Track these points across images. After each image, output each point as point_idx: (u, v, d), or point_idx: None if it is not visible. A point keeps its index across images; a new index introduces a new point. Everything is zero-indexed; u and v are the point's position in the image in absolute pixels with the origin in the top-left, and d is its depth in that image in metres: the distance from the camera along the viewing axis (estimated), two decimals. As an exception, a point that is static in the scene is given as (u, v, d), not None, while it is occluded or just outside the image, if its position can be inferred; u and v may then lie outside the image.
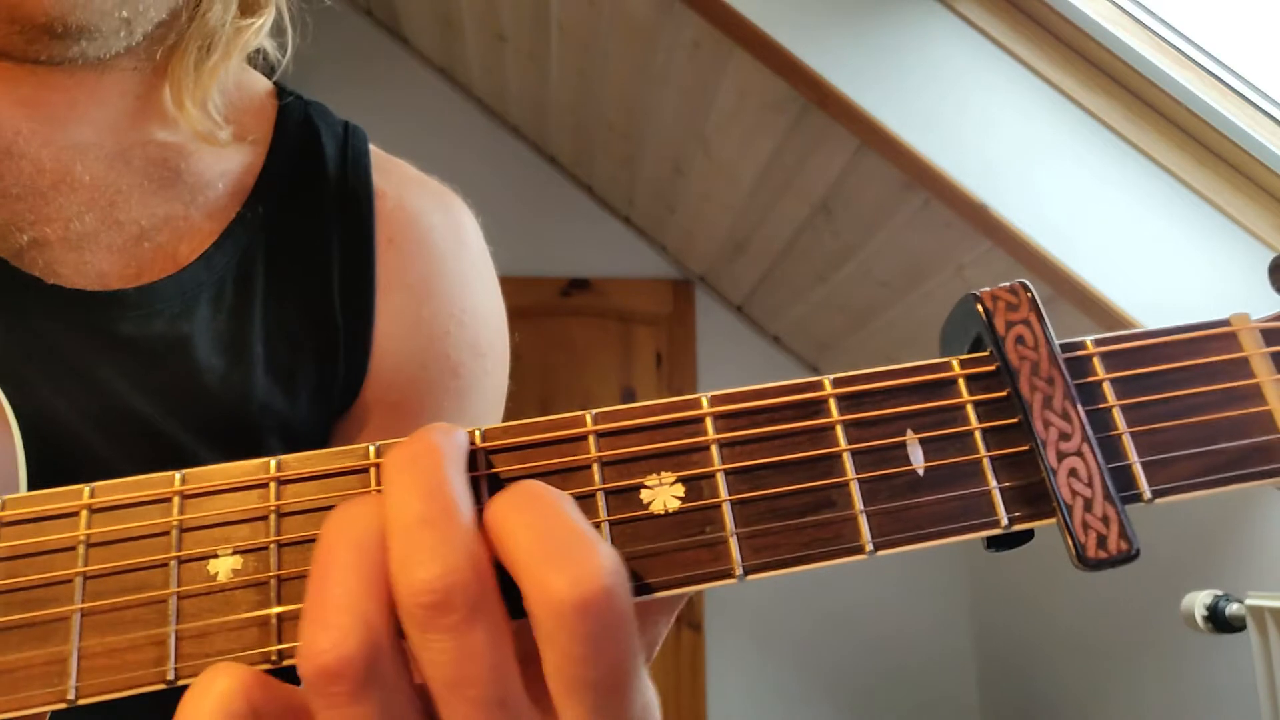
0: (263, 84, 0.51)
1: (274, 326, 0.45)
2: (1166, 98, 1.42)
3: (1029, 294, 0.26)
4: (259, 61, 0.50)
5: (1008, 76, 1.47)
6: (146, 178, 0.44)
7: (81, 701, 0.22)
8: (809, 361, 2.46)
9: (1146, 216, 1.41)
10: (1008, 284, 0.26)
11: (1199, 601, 1.35)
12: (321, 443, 0.47)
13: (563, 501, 0.23)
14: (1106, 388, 0.26)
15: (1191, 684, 1.55)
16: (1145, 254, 1.40)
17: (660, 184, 2.23)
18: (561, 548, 0.22)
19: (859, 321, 2.11)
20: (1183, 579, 1.44)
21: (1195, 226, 1.41)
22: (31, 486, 0.30)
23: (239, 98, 0.49)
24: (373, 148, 0.51)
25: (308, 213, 0.47)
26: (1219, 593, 1.34)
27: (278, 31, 0.49)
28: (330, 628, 0.21)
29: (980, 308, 0.26)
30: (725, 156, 1.94)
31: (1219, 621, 1.33)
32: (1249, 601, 1.31)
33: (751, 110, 1.74)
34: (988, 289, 0.26)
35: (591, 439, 0.25)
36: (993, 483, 0.25)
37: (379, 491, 0.24)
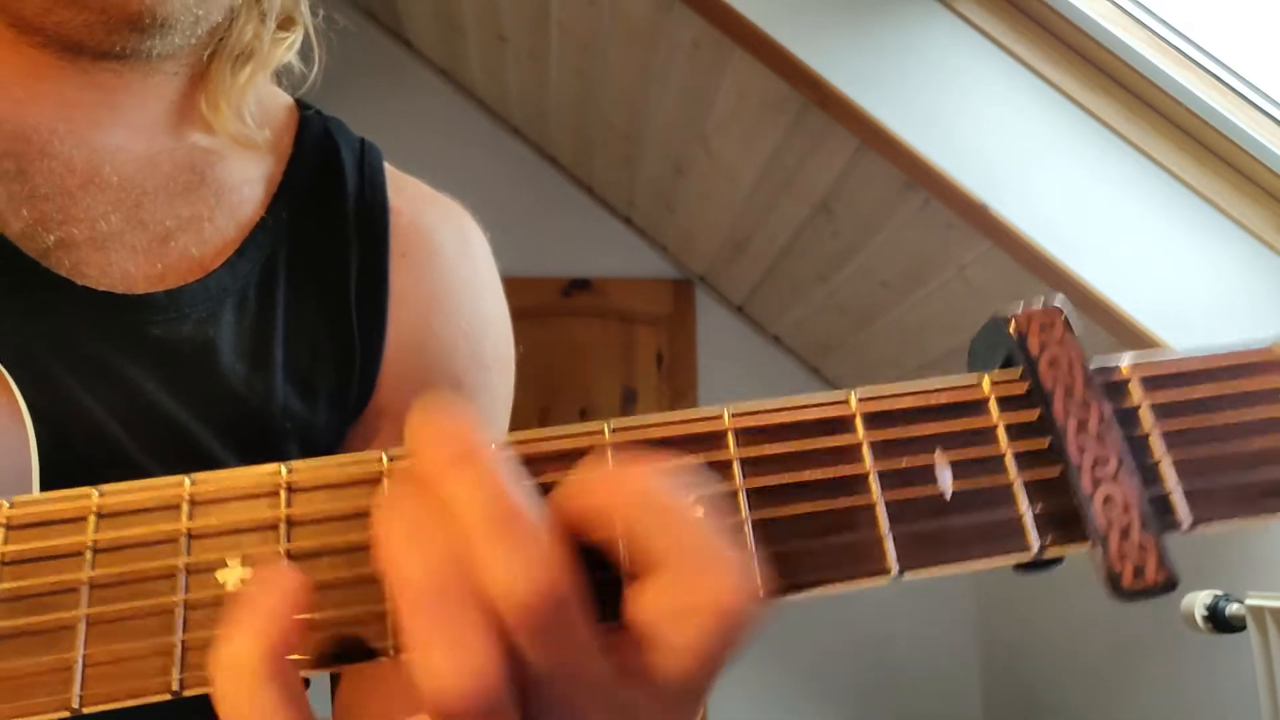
0: (284, 98, 0.52)
1: (294, 333, 0.46)
2: (1166, 98, 1.42)
3: (1063, 315, 0.25)
4: (283, 77, 0.51)
5: (1007, 76, 1.47)
6: (172, 180, 0.45)
7: (86, 710, 0.22)
8: (810, 362, 2.45)
9: (1146, 216, 1.41)
10: (1040, 305, 0.26)
11: (1199, 601, 1.35)
12: (338, 449, 0.48)
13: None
14: (1144, 413, 0.25)
15: (1192, 684, 1.55)
16: (1145, 254, 1.40)
17: (660, 184, 2.22)
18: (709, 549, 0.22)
19: (860, 322, 2.11)
20: (1183, 579, 1.44)
21: (1195, 226, 1.41)
22: (55, 484, 0.30)
23: (263, 109, 0.50)
24: (387, 165, 0.52)
25: (327, 223, 0.48)
26: (1219, 593, 1.34)
27: (304, 47, 0.51)
28: (452, 673, 0.20)
29: (1012, 328, 0.25)
30: (725, 156, 1.94)
31: (1219, 621, 1.33)
32: (1249, 601, 1.30)
33: (752, 110, 1.73)
34: (1019, 311, 0.26)
35: (609, 453, 0.24)
36: (1024, 508, 0.24)
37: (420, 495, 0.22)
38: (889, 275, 1.88)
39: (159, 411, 0.41)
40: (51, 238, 0.41)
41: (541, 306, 2.37)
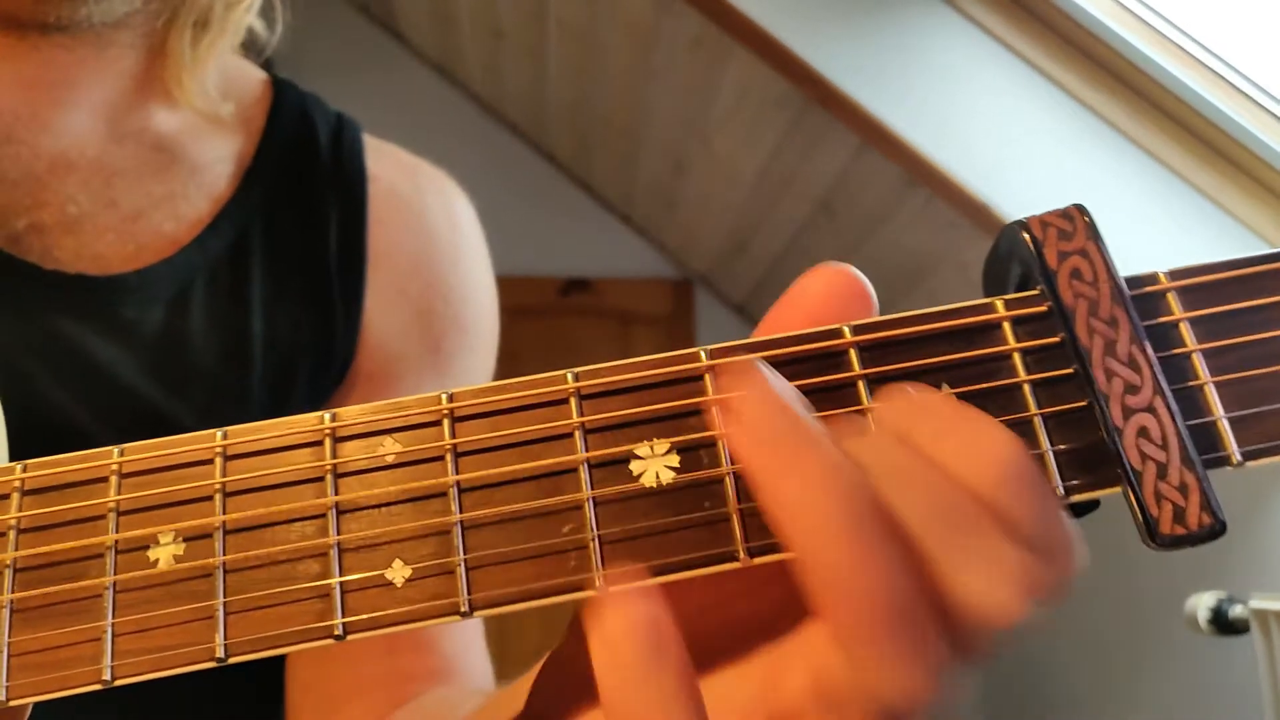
0: (258, 73, 0.52)
1: (272, 307, 0.45)
2: (1169, 95, 1.41)
3: (1085, 218, 0.22)
4: (250, 43, 0.50)
5: (1010, 73, 1.46)
6: (143, 160, 0.44)
7: (13, 703, 0.20)
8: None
9: (1149, 214, 1.41)
10: (1060, 208, 0.22)
11: (1203, 604, 1.34)
12: None
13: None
14: (1184, 329, 0.21)
15: (1195, 687, 1.54)
16: (1147, 252, 1.39)
17: (660, 182, 2.21)
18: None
19: (860, 321, 2.09)
20: (1186, 581, 1.42)
21: (1198, 224, 1.41)
22: None
23: (234, 84, 0.49)
24: (366, 135, 0.52)
25: (303, 196, 0.48)
26: (1223, 595, 1.33)
27: (266, 9, 0.50)
28: (907, 686, 0.18)
29: (1027, 236, 0.22)
30: (726, 154, 1.93)
31: (1223, 624, 1.32)
32: (1253, 604, 1.29)
33: (752, 108, 1.72)
34: (1036, 215, 0.22)
35: (573, 401, 0.22)
36: (1045, 445, 0.21)
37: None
38: (890, 274, 1.87)
39: (135, 398, 0.40)
40: (21, 223, 0.40)
41: (539, 306, 2.36)
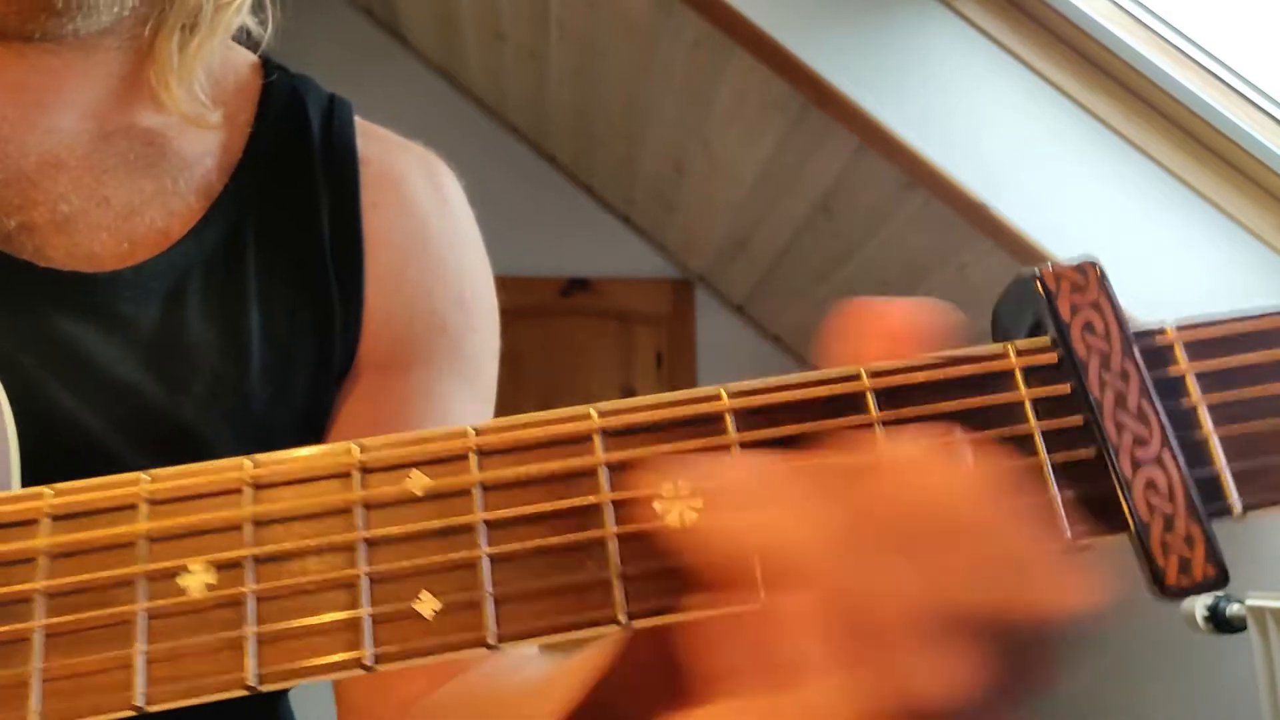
0: (246, 58, 0.51)
1: (269, 298, 0.45)
2: (1166, 96, 1.42)
3: (1098, 271, 0.23)
4: (244, 40, 0.50)
5: (1007, 75, 1.47)
6: (133, 157, 0.44)
7: (44, 728, 0.21)
8: (810, 362, 2.44)
9: (1146, 215, 1.41)
10: (1074, 261, 0.23)
11: (1199, 602, 1.34)
12: (323, 412, 0.47)
13: None
14: (1190, 382, 0.22)
15: (1192, 684, 1.54)
16: (1145, 253, 1.40)
17: (660, 183, 2.21)
18: None
19: (860, 322, 2.10)
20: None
21: (1195, 225, 1.41)
22: (35, 481, 0.29)
23: (223, 74, 0.49)
24: (357, 118, 0.51)
25: (295, 183, 0.48)
26: (1219, 593, 1.34)
27: (258, 8, 0.49)
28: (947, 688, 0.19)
29: (1040, 287, 0.23)
30: (725, 156, 1.93)
31: (1219, 622, 1.32)
32: (1250, 602, 1.30)
33: (752, 110, 1.73)
34: (1049, 266, 0.23)
35: (597, 439, 0.22)
36: (1054, 491, 0.22)
37: None
38: (889, 275, 1.87)
39: (135, 391, 0.40)
40: (12, 223, 0.40)
41: (540, 306, 2.36)
